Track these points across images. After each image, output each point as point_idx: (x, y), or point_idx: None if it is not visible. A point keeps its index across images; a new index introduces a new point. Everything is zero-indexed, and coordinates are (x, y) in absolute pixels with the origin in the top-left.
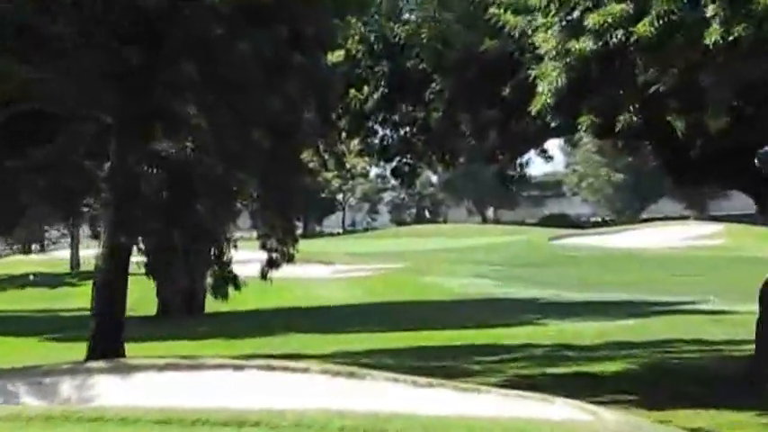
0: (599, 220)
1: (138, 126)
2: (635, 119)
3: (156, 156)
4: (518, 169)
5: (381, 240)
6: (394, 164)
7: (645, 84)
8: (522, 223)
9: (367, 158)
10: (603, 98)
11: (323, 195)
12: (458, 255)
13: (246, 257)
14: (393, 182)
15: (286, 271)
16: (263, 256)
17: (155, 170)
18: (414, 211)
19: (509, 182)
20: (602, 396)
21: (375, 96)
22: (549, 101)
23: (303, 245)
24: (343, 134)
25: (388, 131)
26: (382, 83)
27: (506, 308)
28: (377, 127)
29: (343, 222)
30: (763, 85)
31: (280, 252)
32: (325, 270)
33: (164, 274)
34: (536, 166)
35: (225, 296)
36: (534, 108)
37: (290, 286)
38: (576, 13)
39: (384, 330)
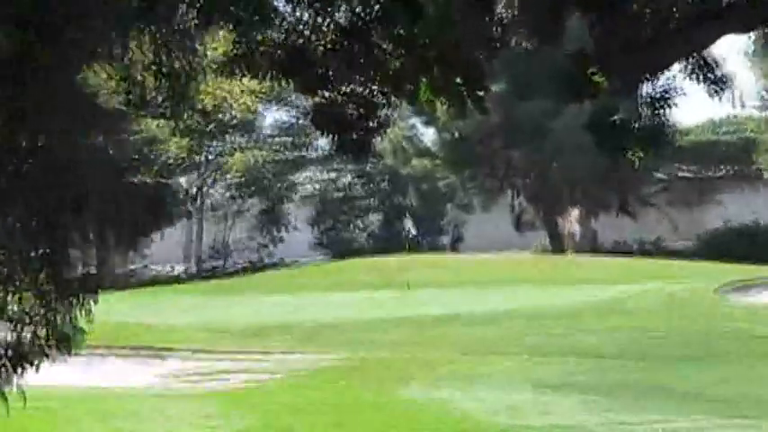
0: None
1: None
2: None
3: None
4: (643, 111)
5: (291, 294)
6: (318, 96)
7: None
8: (653, 251)
9: (252, 83)
10: None
11: (145, 180)
12: (489, 331)
13: None
14: (319, 143)
15: (57, 373)
16: None
17: None
18: (376, 219)
19: (620, 144)
20: None
21: None
22: None
23: (102, 308)
24: (194, 20)
25: (305, 13)
26: None
27: None
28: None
29: (195, 249)
30: None
31: (34, 327)
32: (157, 371)
33: None
34: (688, 106)
35: None
36: None
37: (67, 416)
38: None
39: None
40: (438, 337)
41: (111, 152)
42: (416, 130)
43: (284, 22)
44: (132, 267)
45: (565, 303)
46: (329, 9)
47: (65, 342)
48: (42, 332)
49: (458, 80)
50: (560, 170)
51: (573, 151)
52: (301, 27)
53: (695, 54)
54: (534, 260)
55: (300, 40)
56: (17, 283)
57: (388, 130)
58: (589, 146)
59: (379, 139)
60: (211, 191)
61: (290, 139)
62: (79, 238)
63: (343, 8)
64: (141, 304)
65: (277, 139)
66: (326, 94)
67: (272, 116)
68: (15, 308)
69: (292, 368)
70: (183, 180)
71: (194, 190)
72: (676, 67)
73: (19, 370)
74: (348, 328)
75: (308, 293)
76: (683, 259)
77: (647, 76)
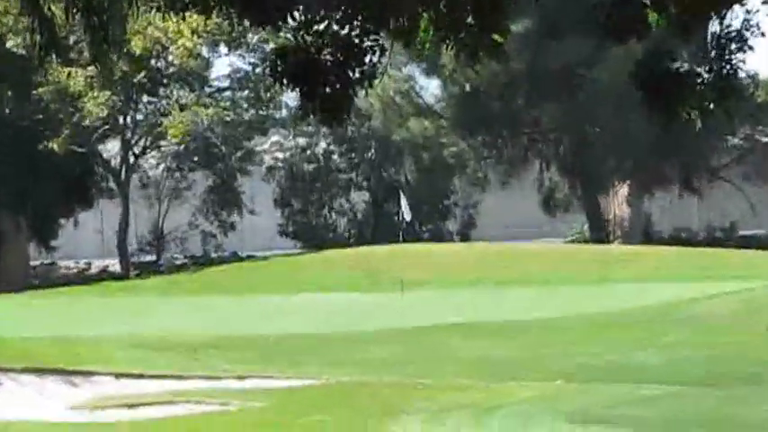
0: None
1: None
2: None
3: None
4: (709, 56)
5: (247, 298)
6: (282, 36)
7: None
8: (726, 240)
9: (195, 18)
10: None
11: (53, 147)
12: (507, 347)
13: None
14: (287, 99)
15: None
16: None
17: None
18: (360, 200)
19: (680, 98)
20: None
21: None
22: None
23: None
24: None
25: None
26: None
27: None
28: None
29: (119, 240)
30: None
31: None
32: (70, 401)
33: None
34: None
35: None
36: None
37: None
38: None
39: None
40: (440, 356)
41: (9, 112)
42: (414, 83)
43: None
44: (35, 264)
45: (608, 310)
46: None
47: None
48: None
49: (469, 19)
50: (603, 134)
51: (619, 109)
52: None
53: None
54: (568, 252)
55: None
56: None
57: (376, 83)
58: (640, 101)
59: (363, 93)
60: (141, 162)
61: (247, 93)
62: None
63: None
64: (47, 312)
65: (229, 94)
66: (293, 33)
67: (223, 63)
68: None
69: (249, 396)
70: (102, 148)
71: (118, 161)
72: None
73: None
74: (323, 342)
75: (269, 297)
76: (766, 250)
77: (716, 9)
